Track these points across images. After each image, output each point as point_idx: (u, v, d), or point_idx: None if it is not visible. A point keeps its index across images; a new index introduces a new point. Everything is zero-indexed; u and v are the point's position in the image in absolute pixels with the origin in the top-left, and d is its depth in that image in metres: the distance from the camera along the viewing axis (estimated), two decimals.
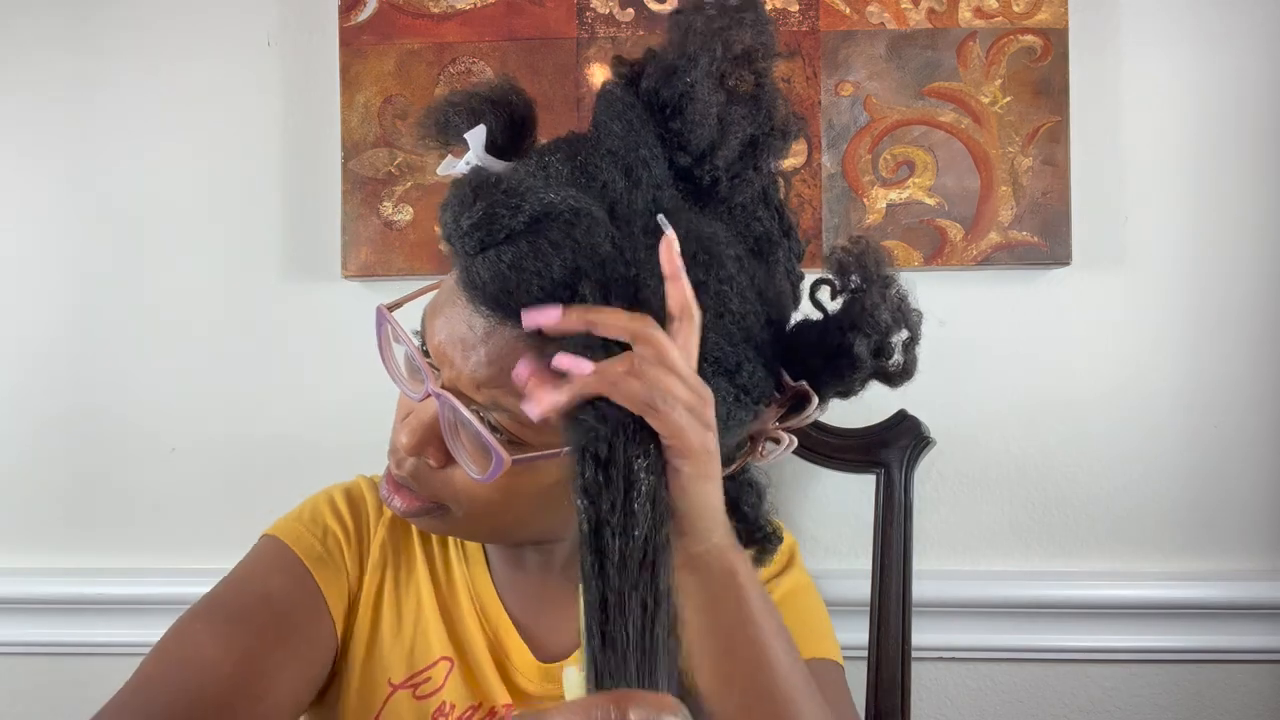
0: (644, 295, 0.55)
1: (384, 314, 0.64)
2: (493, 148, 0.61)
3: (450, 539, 0.77)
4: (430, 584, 0.75)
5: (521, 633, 0.73)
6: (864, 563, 1.00)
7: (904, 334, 0.65)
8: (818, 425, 1.00)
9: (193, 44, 1.15)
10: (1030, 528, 1.11)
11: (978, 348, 1.10)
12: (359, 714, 0.72)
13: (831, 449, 1.00)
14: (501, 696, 0.71)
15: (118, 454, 1.17)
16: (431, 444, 0.62)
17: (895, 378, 0.67)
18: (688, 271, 0.56)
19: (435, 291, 0.64)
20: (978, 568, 1.11)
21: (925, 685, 1.11)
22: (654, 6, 1.09)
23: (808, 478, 1.09)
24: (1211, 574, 1.09)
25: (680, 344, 0.53)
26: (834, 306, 0.65)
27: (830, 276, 0.66)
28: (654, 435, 0.52)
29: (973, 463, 1.11)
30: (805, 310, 0.69)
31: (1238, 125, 1.09)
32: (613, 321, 0.53)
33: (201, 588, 1.11)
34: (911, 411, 0.99)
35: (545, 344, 0.55)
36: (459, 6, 1.10)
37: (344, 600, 0.74)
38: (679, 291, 0.54)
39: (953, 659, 1.11)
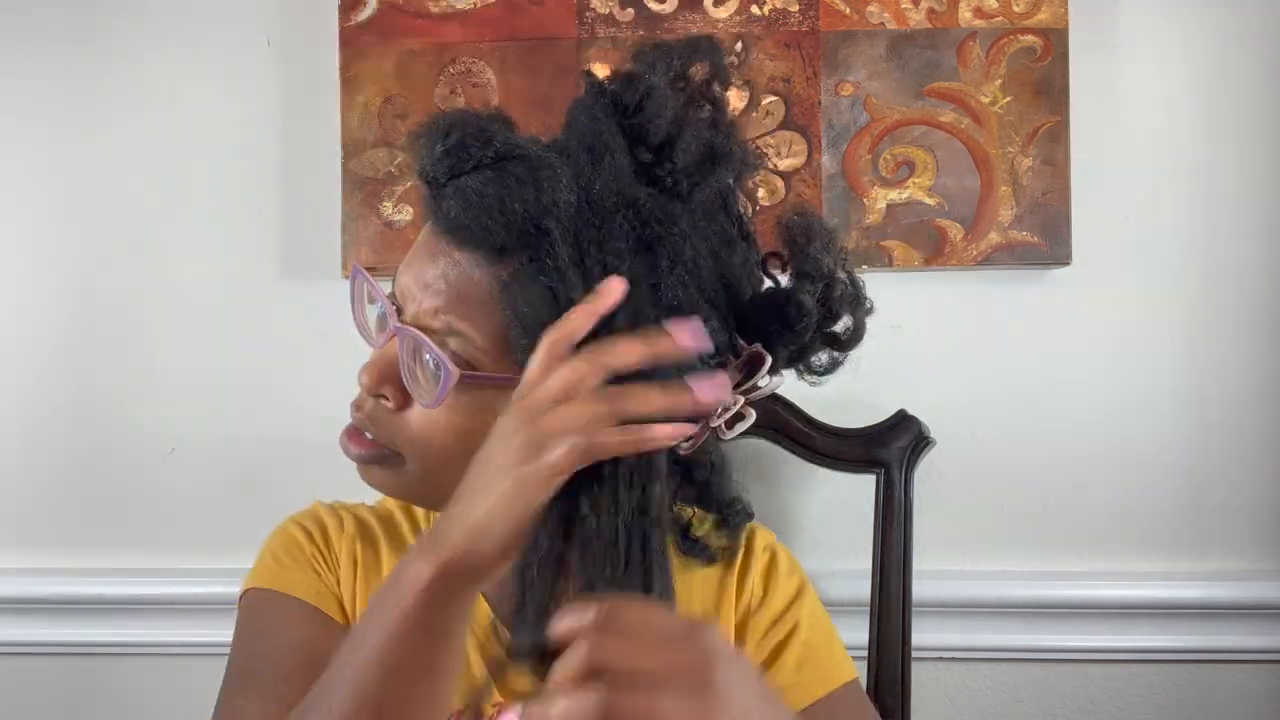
0: (611, 248, 0.58)
1: (359, 270, 0.68)
2: None
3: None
4: None
5: (506, 624, 0.73)
6: (864, 563, 1.00)
7: (850, 292, 0.68)
8: (818, 425, 1.00)
9: (192, 44, 1.15)
10: (1030, 528, 1.11)
11: (978, 348, 1.10)
12: None
13: (831, 449, 1.00)
14: (490, 696, 0.71)
15: (118, 454, 1.17)
16: (390, 382, 0.64)
17: (843, 342, 0.69)
18: (644, 229, 0.60)
19: None
20: (978, 568, 1.11)
21: (925, 685, 1.11)
22: (654, 6, 1.09)
23: (808, 478, 1.09)
24: (1211, 574, 1.09)
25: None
26: (785, 279, 0.68)
27: (779, 249, 0.69)
28: None
29: (973, 463, 1.11)
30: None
31: (1238, 125, 1.09)
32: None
33: (201, 587, 1.12)
34: (911, 411, 0.99)
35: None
36: (459, 6, 1.10)
37: (345, 618, 0.75)
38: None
39: (953, 659, 1.11)
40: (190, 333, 1.15)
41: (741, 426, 0.66)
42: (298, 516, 0.79)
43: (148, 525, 1.16)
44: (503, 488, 0.55)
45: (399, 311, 0.64)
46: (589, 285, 0.57)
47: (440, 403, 0.61)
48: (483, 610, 0.74)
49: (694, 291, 0.61)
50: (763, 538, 0.80)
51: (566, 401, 0.54)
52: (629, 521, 0.55)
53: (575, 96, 0.66)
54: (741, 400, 0.65)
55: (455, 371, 0.60)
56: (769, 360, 0.65)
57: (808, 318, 0.65)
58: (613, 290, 0.56)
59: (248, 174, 1.14)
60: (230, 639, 0.74)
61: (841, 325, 0.68)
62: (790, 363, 0.68)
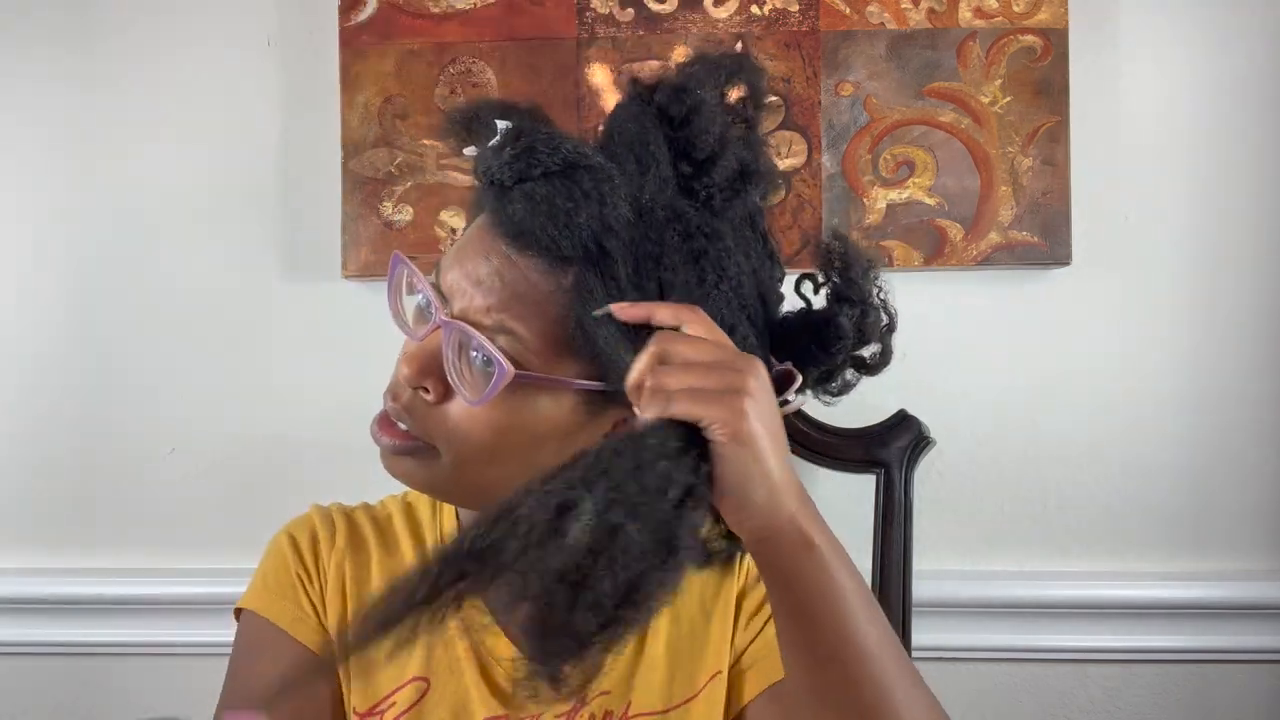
0: (666, 267, 0.59)
1: (401, 258, 0.67)
2: None
3: (422, 543, 0.77)
4: None
5: (506, 632, 0.73)
6: (864, 563, 0.99)
7: (883, 320, 0.69)
8: (817, 425, 1.00)
9: (193, 44, 1.15)
10: (1030, 528, 1.11)
11: (978, 348, 1.10)
12: None
13: (831, 449, 1.00)
14: (483, 710, 0.71)
15: (118, 454, 1.17)
16: (432, 375, 0.63)
17: (870, 367, 0.70)
18: (692, 243, 0.61)
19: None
20: (977, 568, 1.11)
21: None
22: (654, 6, 1.09)
23: (808, 478, 1.08)
24: (1211, 574, 1.09)
25: (695, 331, 0.57)
26: (817, 301, 0.69)
27: (814, 271, 0.69)
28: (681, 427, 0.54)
29: (973, 463, 1.11)
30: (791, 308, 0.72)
31: (1237, 125, 1.09)
32: (661, 313, 0.58)
33: (201, 588, 1.12)
34: (911, 411, 0.99)
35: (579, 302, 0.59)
36: (459, 6, 1.10)
37: (323, 641, 0.75)
38: (663, 308, 0.58)
39: (953, 659, 1.11)
40: (190, 333, 1.15)
41: None
42: (291, 526, 0.79)
43: (148, 525, 1.16)
44: None
45: (446, 303, 0.64)
46: (647, 299, 0.59)
47: (489, 399, 0.61)
48: (501, 643, 0.74)
49: (737, 307, 0.63)
50: None
51: None
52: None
53: (620, 100, 0.67)
54: None
55: (510, 370, 0.60)
56: (799, 380, 0.65)
57: (844, 341, 0.66)
58: None
59: (248, 174, 1.14)
60: (229, 641, 0.75)
61: (870, 351, 0.69)
62: (818, 383, 0.69)
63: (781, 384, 0.65)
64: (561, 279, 0.60)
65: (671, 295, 0.59)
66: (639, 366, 0.56)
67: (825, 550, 0.56)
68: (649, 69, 1.08)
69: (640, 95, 0.66)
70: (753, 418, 0.54)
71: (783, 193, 1.08)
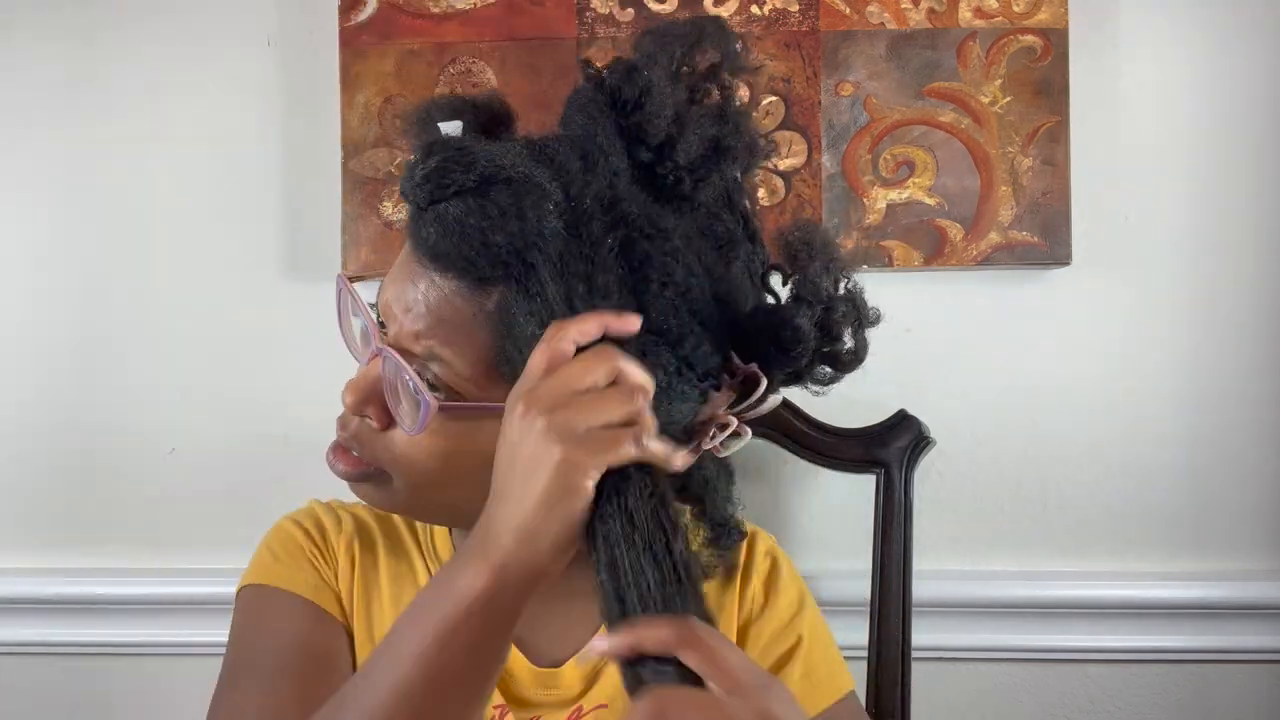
0: (599, 284, 0.56)
1: (343, 282, 0.66)
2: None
3: (425, 549, 0.77)
4: (398, 598, 0.74)
5: (521, 646, 0.73)
6: (864, 563, 1.00)
7: (854, 315, 0.66)
8: (818, 425, 1.00)
9: (193, 44, 1.15)
10: (1030, 528, 1.11)
11: (978, 348, 1.10)
12: None
13: (831, 449, 1.00)
14: (493, 700, 0.71)
15: (118, 454, 1.17)
16: (373, 403, 0.63)
17: (844, 363, 0.67)
18: (634, 248, 0.58)
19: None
20: (977, 568, 1.11)
21: (925, 685, 1.10)
22: (654, 6, 1.09)
23: (808, 478, 1.09)
24: (1211, 574, 1.09)
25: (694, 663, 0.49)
26: (785, 293, 0.66)
27: (780, 263, 0.67)
28: None
29: (973, 463, 1.11)
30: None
31: (1238, 125, 1.09)
32: (655, 635, 0.49)
33: (202, 588, 1.12)
34: (911, 411, 0.99)
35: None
36: (459, 6, 1.10)
37: (343, 615, 0.74)
38: (652, 636, 0.50)
39: (953, 659, 1.11)
40: (190, 333, 1.15)
41: (737, 444, 0.65)
42: (295, 515, 0.79)
43: (147, 525, 1.16)
44: (544, 484, 0.51)
45: (382, 327, 0.63)
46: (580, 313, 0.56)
47: (421, 430, 0.60)
48: None
49: (685, 314, 0.59)
50: (763, 543, 0.79)
51: (587, 393, 0.51)
52: (652, 533, 0.51)
53: (576, 87, 0.64)
54: (736, 422, 0.64)
55: (433, 404, 0.59)
56: (764, 383, 0.63)
57: (804, 343, 0.62)
58: (633, 323, 0.55)
59: (248, 174, 1.14)
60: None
61: (842, 347, 0.66)
62: (788, 382, 0.67)
63: (748, 386, 0.63)
64: (484, 301, 0.58)
65: (607, 307, 0.55)
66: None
67: None
68: None
69: (592, 81, 0.63)
70: None
71: (781, 186, 1.08)
